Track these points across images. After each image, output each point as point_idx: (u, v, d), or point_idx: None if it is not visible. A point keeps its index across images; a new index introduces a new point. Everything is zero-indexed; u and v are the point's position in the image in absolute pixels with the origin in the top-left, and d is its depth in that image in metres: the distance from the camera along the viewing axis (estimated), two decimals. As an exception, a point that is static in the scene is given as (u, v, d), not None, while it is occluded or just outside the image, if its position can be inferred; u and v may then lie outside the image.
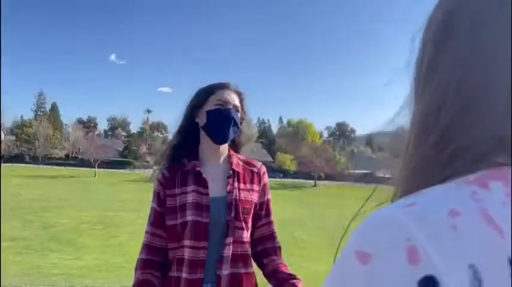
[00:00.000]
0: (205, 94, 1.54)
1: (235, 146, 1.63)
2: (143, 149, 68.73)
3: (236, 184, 1.52)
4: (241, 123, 1.57)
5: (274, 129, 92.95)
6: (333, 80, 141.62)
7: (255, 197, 1.55)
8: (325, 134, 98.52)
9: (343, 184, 52.39)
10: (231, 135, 1.53)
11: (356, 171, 58.54)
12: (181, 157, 1.54)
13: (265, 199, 1.60)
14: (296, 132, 78.22)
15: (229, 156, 1.58)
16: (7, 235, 14.27)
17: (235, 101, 1.54)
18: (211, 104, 1.52)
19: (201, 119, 1.53)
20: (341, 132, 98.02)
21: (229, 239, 1.44)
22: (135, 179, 45.89)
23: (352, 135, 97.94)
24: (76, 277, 8.80)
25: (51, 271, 9.83)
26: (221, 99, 1.51)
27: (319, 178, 53.84)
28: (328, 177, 55.28)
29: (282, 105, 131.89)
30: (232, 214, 1.46)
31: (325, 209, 25.75)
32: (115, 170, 55.52)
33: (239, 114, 1.55)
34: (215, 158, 1.55)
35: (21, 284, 5.94)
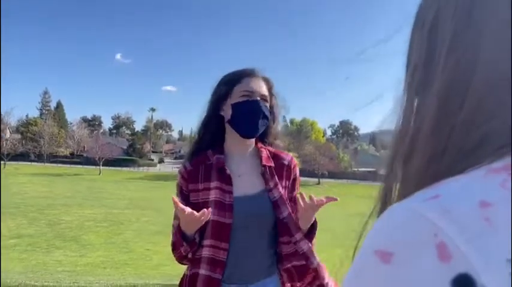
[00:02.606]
0: (230, 84, 1.39)
1: (264, 138, 1.48)
2: (147, 147, 68.98)
3: (276, 179, 1.41)
4: (271, 112, 1.43)
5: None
6: (337, 78, 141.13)
7: (286, 193, 1.44)
8: (329, 133, 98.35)
9: (347, 182, 52.37)
10: (261, 129, 1.40)
11: (360, 169, 58.43)
12: (206, 149, 1.44)
13: (294, 194, 1.48)
14: (299, 130, 78.12)
15: (257, 149, 1.45)
16: (13, 233, 14.38)
17: (263, 89, 1.40)
18: (236, 96, 1.38)
19: (226, 112, 1.40)
20: (344, 131, 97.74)
21: (286, 238, 1.39)
22: (140, 177, 46.03)
23: (355, 133, 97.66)
24: (81, 274, 8.87)
25: (57, 268, 9.91)
26: (247, 90, 1.37)
27: (323, 176, 53.73)
28: (331, 175, 55.16)
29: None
30: (285, 213, 1.38)
31: (329, 207, 25.60)
32: (120, 168, 55.71)
33: (268, 104, 1.41)
34: (242, 152, 1.43)
35: (27, 281, 6.00)
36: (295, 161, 1.50)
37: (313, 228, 1.45)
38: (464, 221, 0.28)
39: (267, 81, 1.43)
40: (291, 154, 1.51)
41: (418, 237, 0.29)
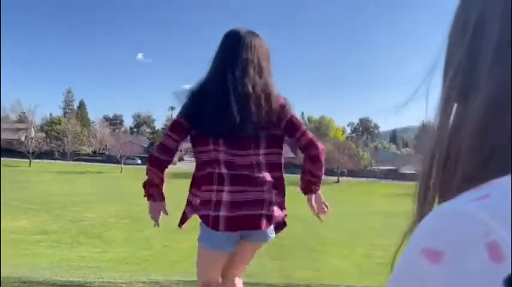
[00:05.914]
0: None
1: None
2: (167, 145, 69.48)
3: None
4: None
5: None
6: (356, 75, 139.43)
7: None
8: (348, 130, 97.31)
9: (367, 180, 51.76)
10: None
11: (380, 167, 57.65)
12: None
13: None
14: (318, 128, 77.62)
15: None
16: (38, 229, 14.80)
17: None
18: None
19: None
20: (364, 128, 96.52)
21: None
22: (160, 175, 46.40)
23: (375, 131, 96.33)
24: (104, 269, 9.05)
25: (81, 264, 10.15)
26: None
27: (342, 174, 53.25)
28: (350, 173, 54.61)
29: (304, 101, 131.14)
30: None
31: (348, 205, 25.48)
32: (141, 166, 56.54)
33: None
34: None
35: (53, 276, 6.17)
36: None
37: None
38: None
39: None
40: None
41: (468, 236, 0.28)
